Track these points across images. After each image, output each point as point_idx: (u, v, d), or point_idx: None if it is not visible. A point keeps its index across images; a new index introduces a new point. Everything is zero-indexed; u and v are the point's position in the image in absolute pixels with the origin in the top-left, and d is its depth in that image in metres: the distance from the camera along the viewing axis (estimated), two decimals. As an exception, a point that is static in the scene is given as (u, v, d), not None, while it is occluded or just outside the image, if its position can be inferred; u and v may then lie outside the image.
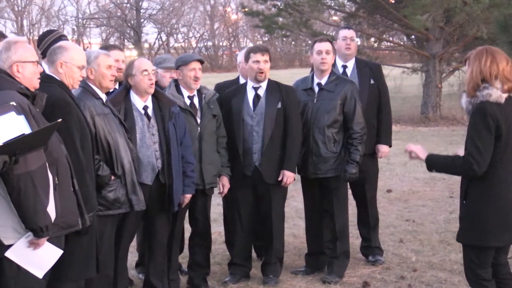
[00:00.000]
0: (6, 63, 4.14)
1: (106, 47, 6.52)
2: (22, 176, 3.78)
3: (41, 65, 4.66)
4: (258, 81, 6.26)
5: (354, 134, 6.29)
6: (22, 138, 3.68)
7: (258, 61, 6.21)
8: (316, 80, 6.41)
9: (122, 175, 5.14)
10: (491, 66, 4.37)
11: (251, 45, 22.98)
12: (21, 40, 4.28)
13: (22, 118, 3.86)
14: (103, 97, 5.22)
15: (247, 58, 6.32)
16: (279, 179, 6.21)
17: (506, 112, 4.37)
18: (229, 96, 6.32)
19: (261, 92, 6.28)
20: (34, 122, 3.93)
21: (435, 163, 4.58)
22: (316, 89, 6.38)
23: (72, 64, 4.72)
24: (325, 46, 6.34)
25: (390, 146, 6.97)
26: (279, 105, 6.23)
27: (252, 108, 6.25)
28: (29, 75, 4.18)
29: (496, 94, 4.34)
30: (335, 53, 6.47)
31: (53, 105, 4.43)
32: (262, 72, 6.21)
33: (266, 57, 6.25)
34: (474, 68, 4.39)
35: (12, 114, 3.83)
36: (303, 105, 6.35)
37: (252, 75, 6.28)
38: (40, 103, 4.17)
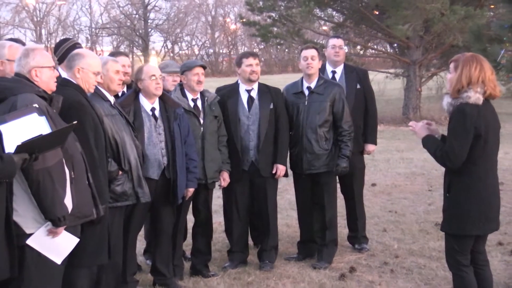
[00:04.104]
0: (25, 68, 4.14)
1: (113, 53, 6.52)
2: (41, 171, 3.78)
3: (57, 70, 4.65)
4: (252, 81, 6.28)
5: (344, 132, 6.33)
6: (40, 138, 3.67)
7: (251, 64, 6.25)
8: (305, 84, 6.43)
9: (129, 170, 5.13)
10: (480, 73, 4.37)
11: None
12: (39, 47, 4.27)
13: (43, 119, 3.86)
14: (111, 99, 5.21)
15: (239, 63, 6.34)
16: (273, 172, 6.26)
17: (484, 113, 4.38)
18: (223, 98, 6.30)
19: (254, 94, 6.31)
20: (52, 122, 3.93)
21: (426, 145, 4.61)
22: (306, 92, 6.40)
23: (88, 70, 4.72)
24: (310, 52, 6.39)
25: (375, 144, 7.03)
26: (271, 106, 6.28)
27: (247, 109, 6.27)
28: (46, 79, 4.17)
29: (475, 97, 4.34)
30: (320, 59, 6.49)
31: (69, 106, 4.43)
32: (255, 73, 6.25)
33: (257, 61, 6.34)
34: (464, 73, 4.36)
35: (35, 115, 3.83)
36: (295, 107, 6.38)
37: (245, 77, 6.30)
38: (57, 105, 4.17)
